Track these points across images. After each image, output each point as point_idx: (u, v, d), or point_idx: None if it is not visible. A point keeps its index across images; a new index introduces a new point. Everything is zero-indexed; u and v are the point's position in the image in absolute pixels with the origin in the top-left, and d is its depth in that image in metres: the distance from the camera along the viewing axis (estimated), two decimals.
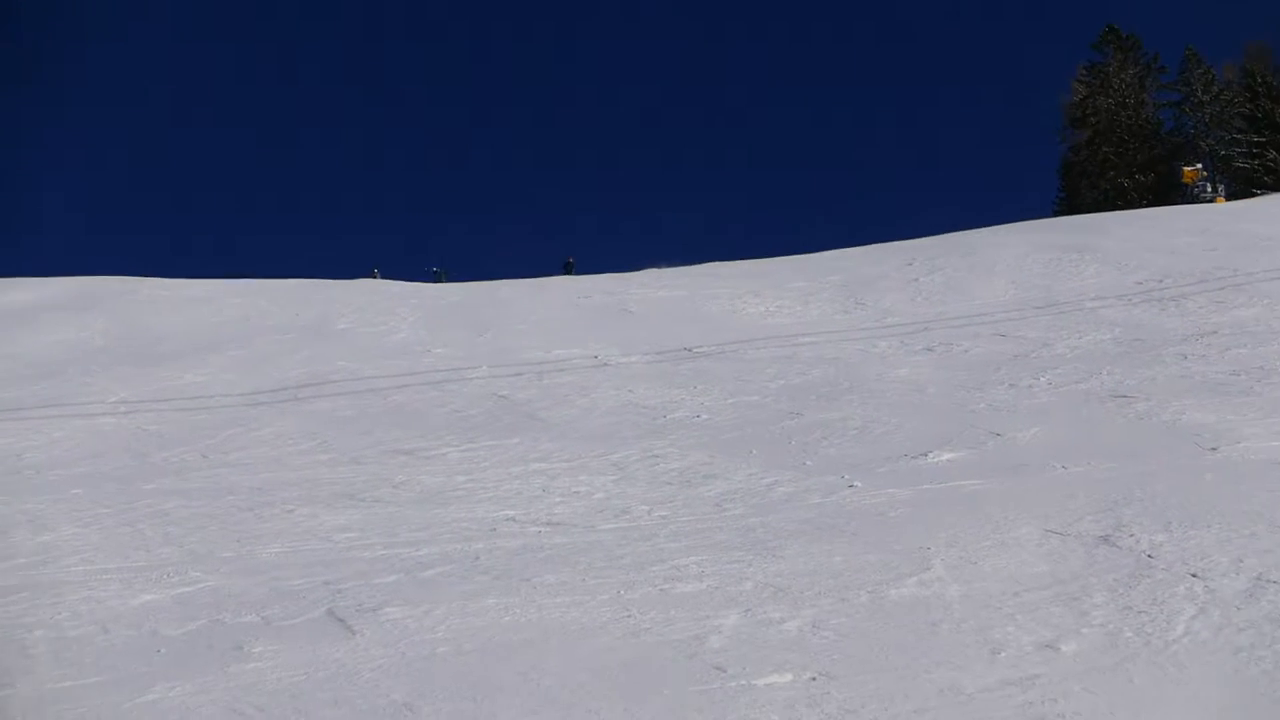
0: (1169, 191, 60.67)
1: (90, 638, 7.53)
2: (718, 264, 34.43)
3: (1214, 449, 11.44)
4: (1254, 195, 54.03)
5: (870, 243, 35.89)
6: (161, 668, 6.88)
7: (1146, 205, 54.34)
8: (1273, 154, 62.67)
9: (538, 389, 18.23)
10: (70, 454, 15.07)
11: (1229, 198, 53.77)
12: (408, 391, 18.55)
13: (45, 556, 9.81)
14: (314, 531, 10.41)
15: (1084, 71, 69.95)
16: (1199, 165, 60.17)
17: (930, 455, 12.43)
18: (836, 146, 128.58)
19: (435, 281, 38.56)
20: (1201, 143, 65.63)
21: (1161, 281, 24.38)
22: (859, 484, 11.29)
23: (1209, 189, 55.76)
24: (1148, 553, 8.06)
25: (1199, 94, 66.11)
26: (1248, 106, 64.61)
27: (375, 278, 37.80)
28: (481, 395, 17.96)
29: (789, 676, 6.08)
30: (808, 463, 12.46)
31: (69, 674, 6.83)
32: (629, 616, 7.33)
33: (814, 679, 6.02)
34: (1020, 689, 5.86)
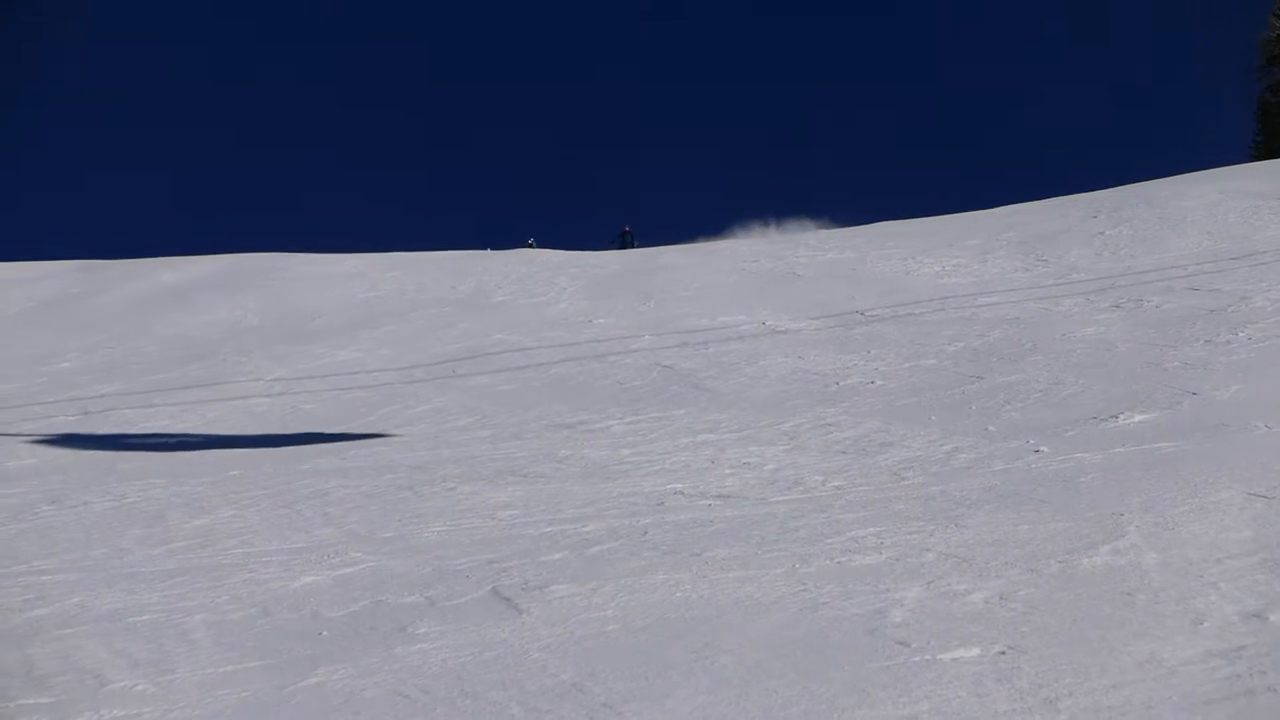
0: None
1: (251, 621, 7.39)
2: (888, 223, 33.70)
3: None
4: None
5: (1049, 196, 34.65)
6: (324, 650, 6.70)
7: None
8: None
9: (703, 358, 17.91)
10: (226, 435, 15.10)
11: None
12: (569, 364, 18.35)
13: (203, 539, 9.74)
14: (476, 509, 10.21)
15: None
16: None
17: (1121, 417, 11.90)
18: (1006, 94, 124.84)
19: (623, 247, 38.14)
20: None
21: None
22: (1045, 449, 10.83)
23: None
24: None
25: None
26: None
27: (531, 247, 37.58)
28: (645, 366, 17.70)
29: (976, 650, 5.70)
30: (990, 428, 12.01)
31: (231, 658, 6.69)
32: (805, 591, 6.99)
33: (1003, 653, 5.63)
34: (1226, 661, 5.41)
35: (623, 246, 38.18)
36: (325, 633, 7.05)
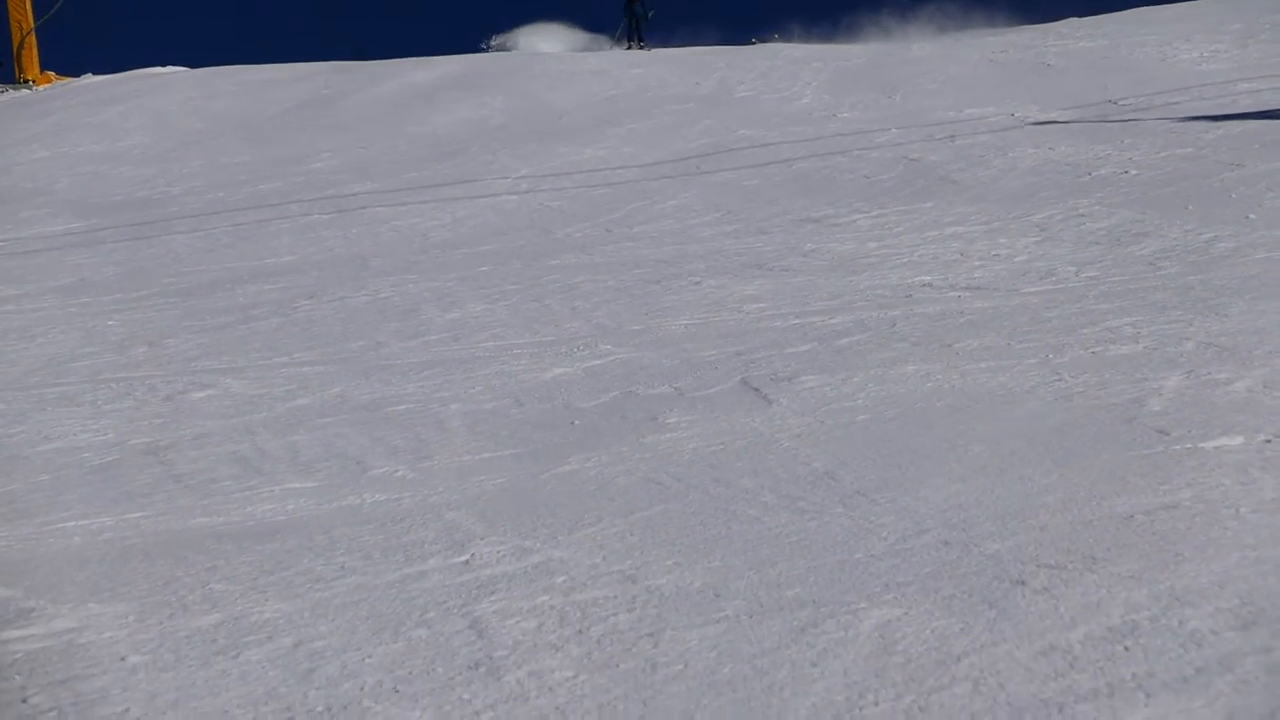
0: None
1: (504, 410, 7.55)
2: (1145, 9, 32.32)
3: None
4: None
5: None
6: (576, 439, 6.82)
7: None
8: None
9: (951, 150, 17.52)
10: (475, 232, 15.31)
11: None
12: (813, 159, 18.12)
13: (455, 333, 9.96)
14: (723, 302, 10.22)
15: None
16: None
17: None
18: None
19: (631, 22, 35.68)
20: None
21: None
22: None
23: None
24: None
25: None
26: None
27: (775, 41, 36.88)
28: (891, 159, 17.38)
29: (1239, 439, 5.51)
30: (1250, 216, 11.52)
31: (486, 446, 6.86)
32: (1059, 380, 6.85)
33: (1268, 441, 5.44)
34: None
35: (626, 16, 35.62)
36: (577, 422, 7.18)
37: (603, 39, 38.95)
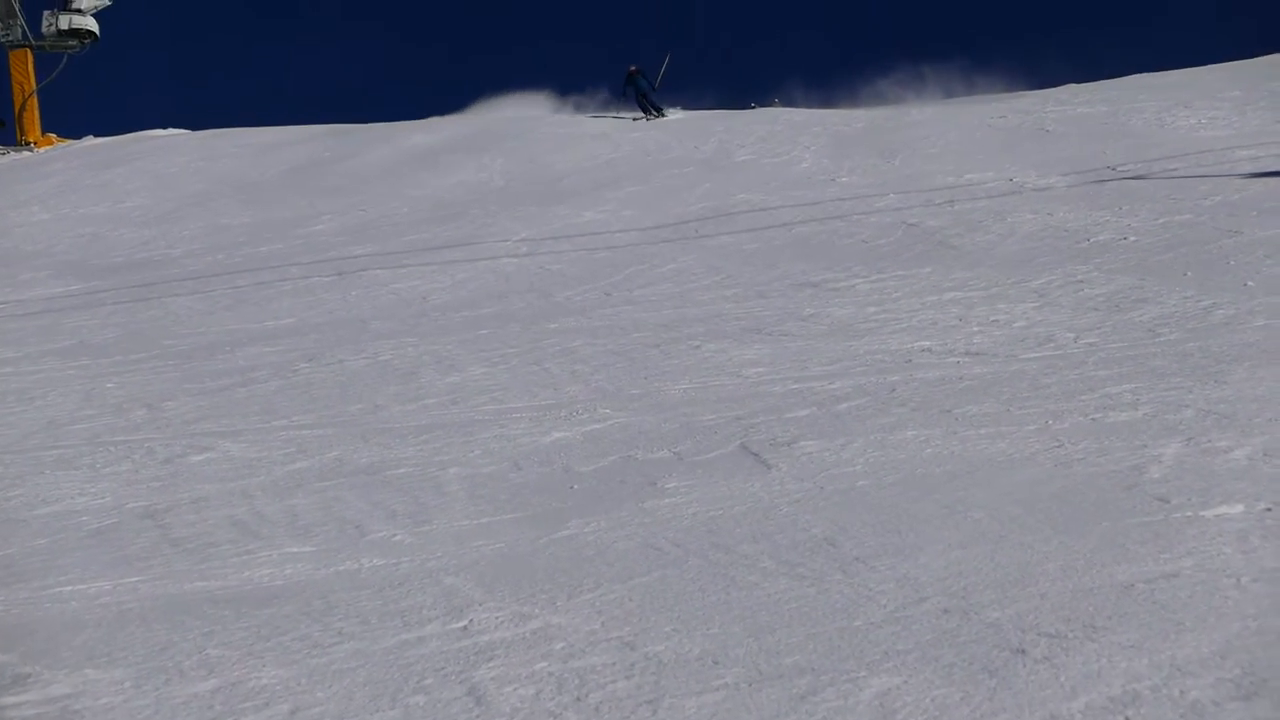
0: None
1: (503, 474, 7.55)
2: (1144, 75, 32.53)
3: None
4: None
5: None
6: (575, 503, 6.82)
7: None
8: None
9: (950, 215, 17.59)
10: (475, 295, 15.37)
11: None
12: (812, 223, 18.19)
13: (455, 396, 9.97)
14: (723, 367, 10.24)
15: None
16: None
17: None
18: None
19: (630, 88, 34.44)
20: None
21: None
22: None
23: None
24: None
25: None
26: None
27: (775, 106, 36.99)
28: (890, 224, 17.46)
29: (1240, 507, 5.49)
30: (1249, 283, 11.56)
31: (484, 510, 6.85)
32: (1059, 447, 6.85)
33: (1269, 509, 5.41)
34: None
35: (630, 88, 34.71)
36: (576, 486, 7.17)
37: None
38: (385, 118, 36.29)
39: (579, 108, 38.11)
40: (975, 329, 10.88)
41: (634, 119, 31.85)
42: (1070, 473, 6.35)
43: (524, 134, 31.17)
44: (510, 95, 40.43)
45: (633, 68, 33.50)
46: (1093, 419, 7.39)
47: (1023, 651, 4.13)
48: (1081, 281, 12.50)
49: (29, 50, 44.04)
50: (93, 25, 44.23)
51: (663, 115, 33.11)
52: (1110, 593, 4.58)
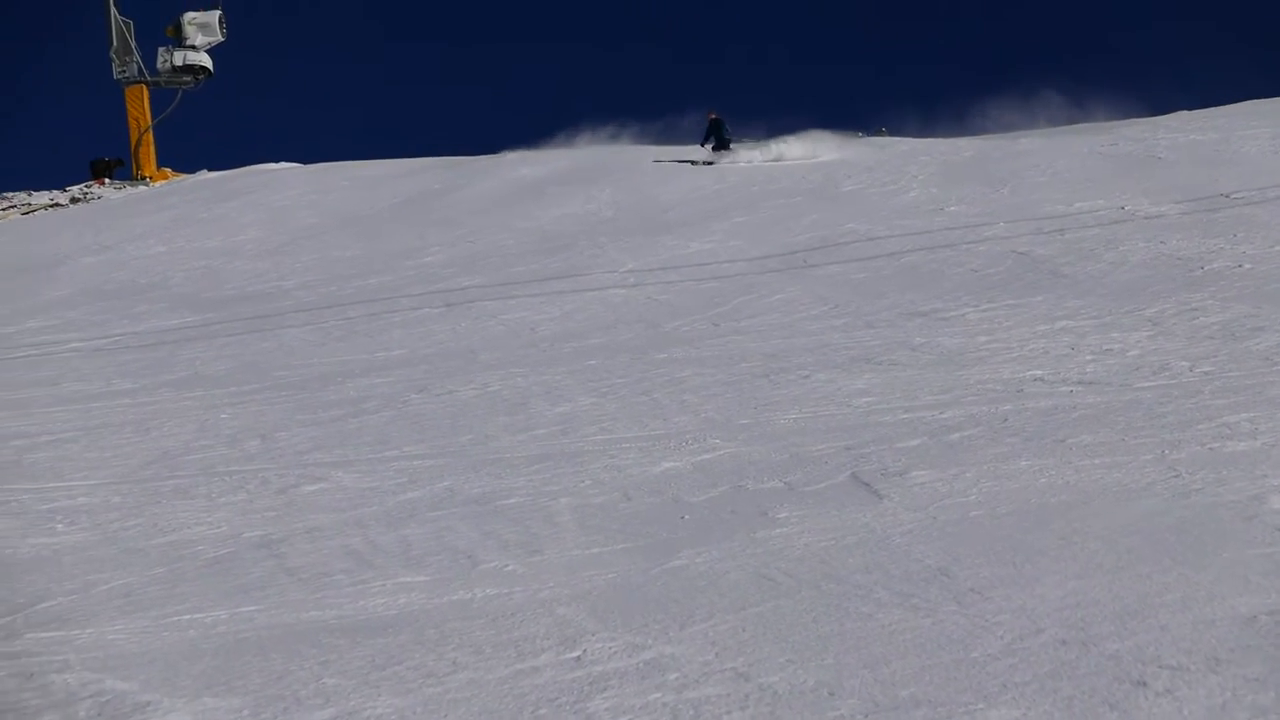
0: None
1: (614, 505, 7.56)
2: (1255, 101, 32.07)
3: None
4: None
5: None
6: (686, 534, 6.81)
7: None
8: None
9: (1060, 244, 17.40)
10: (583, 326, 15.41)
11: None
12: (921, 252, 18.08)
13: (565, 426, 9.99)
14: (831, 396, 10.19)
15: None
16: None
17: None
18: None
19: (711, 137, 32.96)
20: None
21: None
22: None
23: None
24: None
25: None
26: None
27: (882, 134, 36.75)
28: (1000, 253, 17.31)
29: None
30: None
31: (595, 540, 6.86)
32: (1176, 477, 6.76)
33: None
34: None
35: (711, 137, 33.94)
36: (686, 516, 7.17)
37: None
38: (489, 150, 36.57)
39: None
40: (1088, 358, 10.75)
41: (704, 163, 31.32)
42: (1188, 503, 6.27)
43: (631, 166, 31.29)
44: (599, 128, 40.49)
45: (713, 114, 33.24)
46: (1210, 449, 7.29)
47: (1144, 684, 4.08)
48: (1196, 310, 12.32)
49: (144, 86, 45.01)
50: (206, 61, 45.20)
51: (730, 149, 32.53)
52: (1233, 625, 4.51)
